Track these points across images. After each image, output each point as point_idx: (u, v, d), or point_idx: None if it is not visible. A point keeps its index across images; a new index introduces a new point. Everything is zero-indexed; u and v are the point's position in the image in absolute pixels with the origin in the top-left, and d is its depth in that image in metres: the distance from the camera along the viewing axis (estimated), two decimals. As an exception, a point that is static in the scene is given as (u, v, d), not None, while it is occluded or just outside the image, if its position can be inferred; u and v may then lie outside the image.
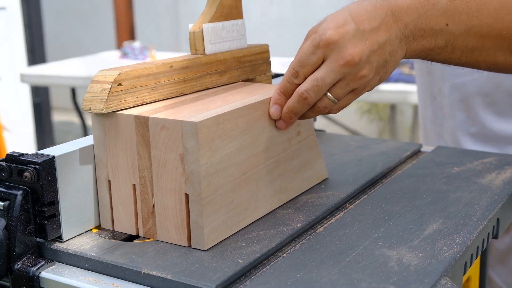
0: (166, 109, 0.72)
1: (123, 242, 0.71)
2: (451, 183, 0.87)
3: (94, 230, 0.75)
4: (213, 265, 0.64)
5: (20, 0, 3.79)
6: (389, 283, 0.60)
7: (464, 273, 0.70)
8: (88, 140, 0.75)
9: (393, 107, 3.33)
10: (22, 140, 3.67)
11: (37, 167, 0.67)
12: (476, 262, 0.90)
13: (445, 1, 0.80)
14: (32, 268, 0.67)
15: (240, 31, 0.88)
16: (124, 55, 3.65)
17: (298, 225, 0.74)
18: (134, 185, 0.72)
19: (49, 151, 0.70)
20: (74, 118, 4.96)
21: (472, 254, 0.71)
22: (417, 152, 1.03)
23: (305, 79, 0.75)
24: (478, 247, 0.74)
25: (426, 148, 1.05)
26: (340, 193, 0.83)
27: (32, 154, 0.69)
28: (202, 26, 0.83)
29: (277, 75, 1.10)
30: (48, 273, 0.67)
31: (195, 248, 0.69)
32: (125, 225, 0.73)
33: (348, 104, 0.79)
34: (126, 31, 4.35)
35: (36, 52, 4.00)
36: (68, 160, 0.71)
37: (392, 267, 0.63)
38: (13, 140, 3.47)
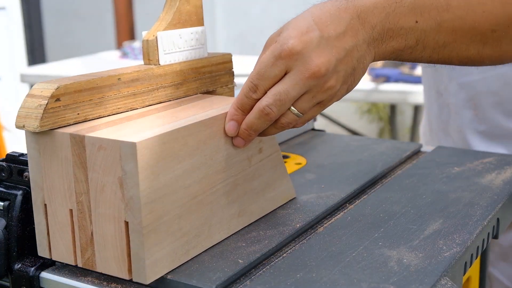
0: (108, 126, 0.66)
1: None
2: (451, 183, 0.87)
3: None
4: (213, 265, 0.64)
5: (20, 0, 3.79)
6: (389, 283, 0.60)
7: (464, 273, 0.70)
8: None
9: (393, 107, 3.33)
10: (22, 140, 3.66)
11: None
12: (476, 262, 0.90)
13: None
14: (32, 268, 0.67)
15: (200, 40, 0.80)
16: (124, 55, 3.64)
17: (298, 225, 0.74)
18: (71, 210, 0.65)
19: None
20: (74, 118, 4.96)
21: (472, 254, 0.71)
22: (417, 152, 1.03)
23: (264, 93, 0.69)
24: (478, 247, 0.74)
25: (426, 148, 1.05)
26: (340, 193, 0.83)
27: None
28: (156, 34, 0.76)
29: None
30: (48, 273, 0.67)
31: (136, 282, 0.63)
32: (63, 254, 0.67)
33: (313, 116, 0.73)
34: (126, 31, 4.35)
35: (36, 52, 4.00)
36: None
37: (392, 267, 0.63)
38: (13, 140, 3.47)
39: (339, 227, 0.74)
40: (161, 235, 0.63)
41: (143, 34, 0.78)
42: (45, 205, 0.67)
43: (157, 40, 0.76)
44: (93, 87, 0.68)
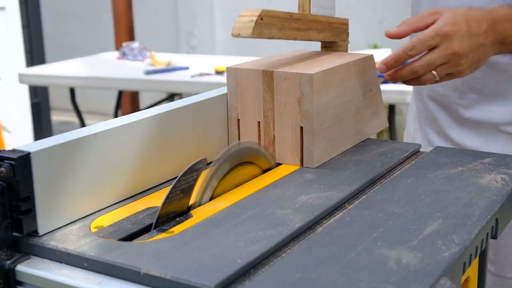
0: (285, 66, 0.96)
1: (122, 242, 0.71)
2: (450, 183, 0.87)
3: (93, 230, 0.75)
4: (212, 265, 0.64)
5: (19, 0, 3.79)
6: (388, 283, 0.60)
7: (463, 273, 0.70)
8: (65, 137, 0.76)
9: (392, 108, 3.33)
10: (21, 141, 3.66)
11: (13, 162, 0.68)
12: (475, 262, 0.90)
13: None
14: (8, 262, 0.68)
15: (332, 3, 1.10)
16: (123, 55, 3.64)
17: (297, 225, 0.74)
18: (258, 122, 0.97)
19: (26, 147, 0.71)
20: (73, 119, 4.96)
21: (471, 254, 0.71)
22: (416, 152, 1.03)
23: (417, 54, 0.99)
24: (477, 247, 0.74)
25: (425, 148, 1.06)
26: (339, 193, 0.83)
27: (9, 150, 0.70)
28: None
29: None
30: (24, 267, 0.68)
31: (306, 167, 0.93)
32: None
33: (442, 81, 1.03)
34: (125, 32, 4.35)
35: (35, 52, 4.00)
36: (44, 156, 0.72)
37: (391, 267, 0.63)
38: (12, 141, 3.47)
39: (338, 227, 0.74)
40: (321, 137, 0.95)
41: None
42: (238, 120, 0.99)
43: None
44: (279, 16, 0.96)
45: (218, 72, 3.15)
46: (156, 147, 0.88)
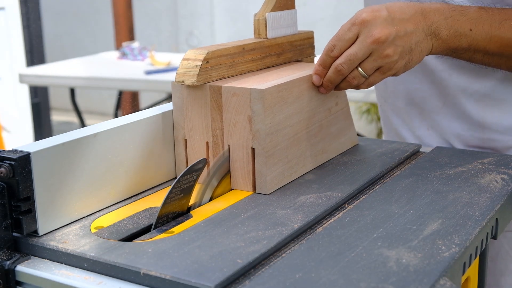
0: (234, 80, 0.88)
1: (122, 242, 0.71)
2: (450, 184, 0.87)
3: (93, 230, 0.75)
4: (212, 265, 0.64)
5: (19, 0, 3.79)
6: (388, 283, 0.60)
7: (463, 273, 0.70)
8: (65, 137, 0.76)
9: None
10: (21, 141, 3.66)
11: (12, 163, 0.68)
12: (475, 263, 0.90)
13: (472, 10, 0.93)
14: (8, 262, 0.68)
15: (293, 19, 1.03)
16: (123, 55, 3.64)
17: (297, 226, 0.74)
18: (207, 142, 0.88)
19: (26, 147, 0.71)
20: (73, 119, 4.96)
21: (471, 254, 0.71)
22: (416, 153, 1.03)
23: (340, 53, 0.88)
24: (477, 247, 0.74)
25: (425, 149, 1.06)
26: (339, 193, 0.83)
27: (8, 151, 0.70)
28: (265, 15, 0.97)
29: None
30: (24, 267, 0.68)
31: (258, 193, 0.84)
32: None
33: (375, 81, 0.91)
34: (125, 31, 4.35)
35: (35, 52, 4.00)
36: (44, 156, 0.72)
37: (391, 267, 0.63)
38: (12, 141, 3.47)
39: (338, 227, 0.74)
40: (276, 160, 0.86)
41: (254, 14, 0.99)
42: (185, 140, 0.89)
43: (266, 19, 0.97)
44: (228, 54, 0.90)
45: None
46: (157, 147, 0.88)
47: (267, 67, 0.98)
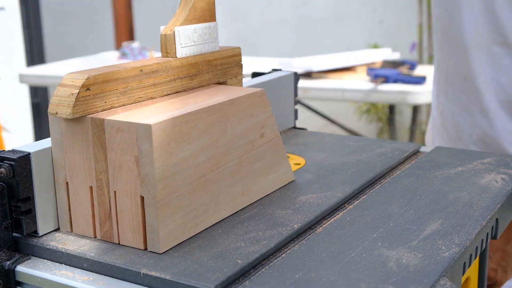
0: (124, 111, 0.72)
1: (122, 242, 0.71)
2: (450, 183, 0.87)
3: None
4: (212, 266, 0.64)
5: (19, 0, 3.79)
6: (388, 283, 0.60)
7: (463, 273, 0.70)
8: None
9: (392, 108, 3.33)
10: (21, 141, 3.67)
11: (12, 163, 0.68)
12: (475, 263, 0.90)
13: None
14: (8, 262, 0.68)
15: (212, 34, 0.86)
16: (123, 55, 3.64)
17: (297, 226, 0.74)
18: (91, 187, 0.71)
19: (26, 147, 0.71)
20: (73, 119, 4.95)
21: (471, 255, 0.72)
22: (416, 153, 1.03)
23: None
24: (477, 247, 0.74)
25: (425, 149, 1.06)
26: (339, 193, 0.83)
27: (8, 151, 0.70)
28: (174, 29, 0.81)
29: (256, 74, 1.10)
30: (24, 267, 0.68)
31: (150, 251, 0.68)
32: (83, 228, 0.73)
33: None
34: (125, 31, 4.35)
35: (35, 52, 4.00)
36: (44, 156, 0.72)
37: (391, 268, 0.63)
38: (12, 141, 3.47)
39: (338, 227, 0.74)
40: (173, 209, 0.69)
41: (161, 29, 0.82)
42: (67, 183, 0.73)
43: (174, 35, 0.81)
44: (118, 78, 0.73)
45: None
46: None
47: (176, 92, 0.81)
